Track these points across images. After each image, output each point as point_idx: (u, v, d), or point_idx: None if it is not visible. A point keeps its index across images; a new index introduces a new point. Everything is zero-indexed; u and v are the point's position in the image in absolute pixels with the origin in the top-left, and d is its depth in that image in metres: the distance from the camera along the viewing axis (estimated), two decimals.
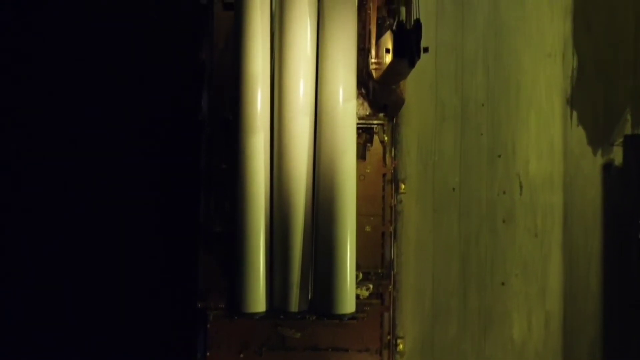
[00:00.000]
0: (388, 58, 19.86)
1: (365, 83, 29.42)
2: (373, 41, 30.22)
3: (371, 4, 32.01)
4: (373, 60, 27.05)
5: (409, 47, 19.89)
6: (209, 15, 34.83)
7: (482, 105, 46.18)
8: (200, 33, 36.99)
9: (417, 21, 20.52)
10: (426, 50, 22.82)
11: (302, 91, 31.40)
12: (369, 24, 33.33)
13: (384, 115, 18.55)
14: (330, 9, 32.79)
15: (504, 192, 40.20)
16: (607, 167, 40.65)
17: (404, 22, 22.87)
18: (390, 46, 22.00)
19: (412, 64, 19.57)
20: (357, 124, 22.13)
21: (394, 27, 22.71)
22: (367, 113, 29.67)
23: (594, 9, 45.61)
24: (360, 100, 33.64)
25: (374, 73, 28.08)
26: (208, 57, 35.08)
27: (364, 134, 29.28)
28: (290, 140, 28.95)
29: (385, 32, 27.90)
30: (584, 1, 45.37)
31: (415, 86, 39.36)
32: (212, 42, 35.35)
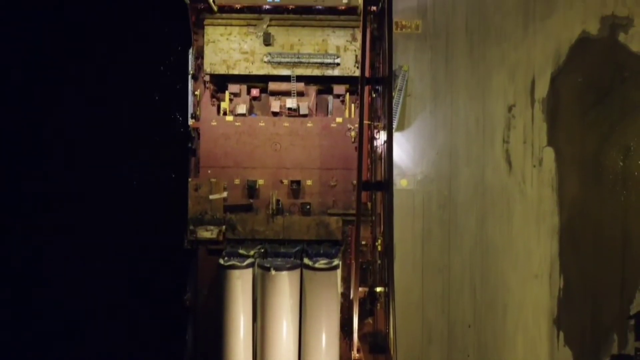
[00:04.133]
0: None
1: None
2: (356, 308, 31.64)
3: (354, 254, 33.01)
4: (356, 354, 28.37)
5: None
6: (194, 259, 37.51)
7: (469, 326, 46.53)
8: (185, 277, 39.23)
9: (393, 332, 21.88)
10: None
11: None
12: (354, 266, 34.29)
13: None
14: (313, 301, 34.30)
15: None
16: None
17: (379, 334, 24.58)
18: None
19: None
20: None
21: (368, 340, 24.45)
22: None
23: (582, 229, 46.65)
24: (346, 340, 35.33)
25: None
26: (192, 302, 37.76)
27: None
28: None
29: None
30: (571, 221, 46.49)
31: (402, 307, 39.53)
32: (196, 287, 38.38)
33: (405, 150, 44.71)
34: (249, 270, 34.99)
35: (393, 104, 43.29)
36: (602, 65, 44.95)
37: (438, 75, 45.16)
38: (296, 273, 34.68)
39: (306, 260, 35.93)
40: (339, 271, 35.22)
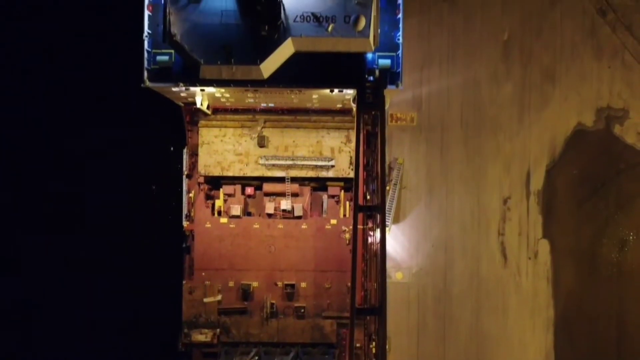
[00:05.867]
0: None
1: None
2: None
3: None
4: None
5: None
6: (190, 352, 37.83)
7: None
8: None
9: None
10: None
11: None
12: None
13: None
14: None
15: None
16: None
17: None
18: None
19: None
20: None
21: None
22: None
23: (577, 322, 46.93)
24: None
25: None
26: None
27: None
28: None
29: None
30: (566, 314, 46.79)
31: None
32: None
33: (400, 243, 44.72)
34: None
35: (387, 200, 43.33)
36: (597, 157, 45.00)
37: (433, 168, 45.22)
38: None
39: None
40: None
